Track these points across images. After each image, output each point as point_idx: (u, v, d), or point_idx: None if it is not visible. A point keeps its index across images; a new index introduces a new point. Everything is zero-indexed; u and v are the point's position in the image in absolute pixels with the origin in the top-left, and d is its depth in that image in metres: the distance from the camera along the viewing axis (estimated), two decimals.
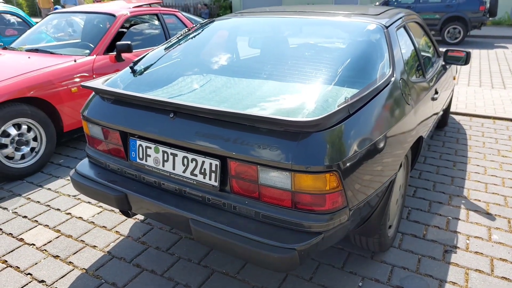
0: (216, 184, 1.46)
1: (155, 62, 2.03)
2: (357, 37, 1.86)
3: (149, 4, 4.42)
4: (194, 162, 1.51)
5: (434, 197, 2.66)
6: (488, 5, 10.05)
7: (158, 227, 2.33)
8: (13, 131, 2.93)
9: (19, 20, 5.78)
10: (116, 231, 2.30)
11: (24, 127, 3.01)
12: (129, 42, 3.53)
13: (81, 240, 2.22)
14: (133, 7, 4.10)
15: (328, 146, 1.28)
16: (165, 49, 2.12)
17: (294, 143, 1.28)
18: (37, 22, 6.37)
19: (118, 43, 3.53)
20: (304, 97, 1.50)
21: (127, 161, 1.76)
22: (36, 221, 2.43)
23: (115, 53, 3.66)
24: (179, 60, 2.01)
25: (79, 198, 2.70)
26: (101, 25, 3.83)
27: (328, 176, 1.27)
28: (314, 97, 1.49)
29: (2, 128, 2.84)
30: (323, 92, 1.52)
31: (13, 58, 3.44)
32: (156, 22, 4.32)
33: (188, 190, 1.55)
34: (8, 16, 5.86)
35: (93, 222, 2.40)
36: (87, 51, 3.61)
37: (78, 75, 3.30)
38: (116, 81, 1.90)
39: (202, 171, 1.49)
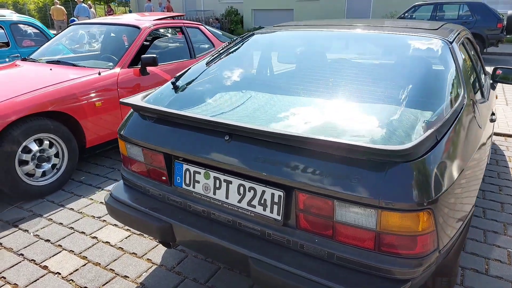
0: (279, 218, 1.28)
1: (198, 78, 1.88)
2: (423, 53, 1.70)
3: (172, 16, 4.32)
4: (252, 191, 1.33)
5: (487, 225, 2.45)
6: (505, 22, 9.93)
7: (192, 254, 2.15)
8: (34, 147, 2.78)
9: (36, 31, 5.72)
10: (148, 259, 2.12)
11: (46, 142, 2.87)
12: (154, 55, 3.40)
13: (111, 269, 2.04)
14: (156, 20, 3.99)
15: (420, 179, 1.10)
16: (207, 63, 1.98)
17: (381, 175, 1.10)
18: (53, 34, 6.32)
19: (143, 56, 3.41)
20: (378, 120, 1.33)
21: (170, 186, 1.59)
22: (60, 245, 2.26)
23: (139, 66, 3.53)
24: (224, 76, 1.85)
25: (104, 220, 2.53)
26: (127, 38, 3.72)
27: (421, 215, 1.09)
28: (390, 121, 1.31)
29: (24, 144, 2.69)
30: (398, 114, 1.35)
31: (34, 70, 3.32)
32: (180, 35, 4.20)
33: (244, 223, 1.37)
34: (25, 27, 5.80)
35: (122, 248, 2.22)
36: (111, 63, 3.49)
37: (102, 88, 3.17)
38: (157, 98, 1.75)
39: (262, 202, 1.31)
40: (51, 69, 3.33)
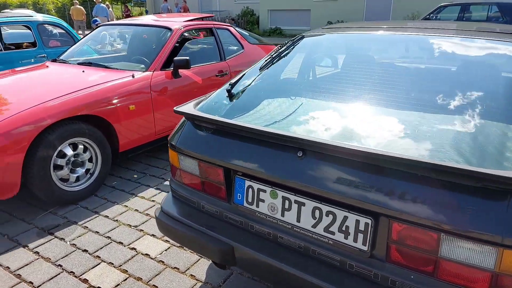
0: (365, 248, 1.15)
1: (253, 85, 1.76)
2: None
3: (202, 18, 4.22)
4: (331, 216, 1.21)
5: None
6: None
7: (237, 272, 2.03)
8: (69, 152, 2.71)
9: (62, 31, 5.70)
10: (191, 275, 2.01)
11: (81, 147, 2.79)
12: (187, 58, 3.31)
13: (154, 286, 1.94)
14: (186, 21, 3.90)
15: None
16: (261, 69, 1.85)
17: (502, 206, 0.96)
18: (78, 34, 6.26)
19: (176, 58, 3.32)
20: (484, 138, 1.17)
21: (229, 204, 1.48)
22: (98, 257, 2.17)
23: (171, 69, 3.44)
24: (282, 83, 1.73)
25: (141, 230, 2.44)
26: (157, 39, 3.64)
27: None
28: (500, 141, 1.15)
29: (59, 148, 2.62)
30: (506, 132, 1.19)
31: (67, 72, 3.26)
32: (210, 37, 4.10)
33: (319, 250, 1.24)
34: (50, 27, 5.79)
35: (163, 262, 2.12)
36: (142, 66, 3.41)
37: (135, 92, 3.08)
38: (212, 106, 1.64)
39: (344, 229, 1.18)
40: (83, 71, 3.26)
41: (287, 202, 1.29)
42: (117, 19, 21.02)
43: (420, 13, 14.78)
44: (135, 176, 3.24)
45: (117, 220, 2.56)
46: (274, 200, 1.33)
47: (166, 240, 2.32)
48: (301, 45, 2.04)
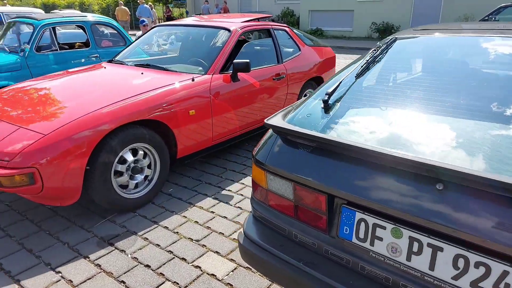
0: None
1: (352, 95, 1.53)
2: None
3: (257, 18, 4.04)
4: (482, 268, 0.96)
5: None
6: None
7: None
8: (129, 157, 2.60)
9: (113, 31, 5.73)
10: None
11: (141, 152, 2.68)
12: (247, 61, 3.13)
13: None
14: (243, 22, 3.73)
15: None
16: (357, 76, 1.62)
17: None
18: (129, 35, 6.28)
19: (236, 61, 3.15)
20: None
21: (331, 237, 1.26)
22: (162, 274, 2.03)
23: (230, 72, 3.28)
24: (391, 93, 1.49)
25: (203, 245, 2.28)
26: (215, 41, 3.49)
27: None
28: None
29: (120, 154, 2.52)
30: None
31: (125, 74, 3.17)
32: (267, 38, 3.91)
33: None
34: (102, 27, 5.84)
35: (231, 285, 1.94)
36: (200, 68, 3.27)
37: (196, 96, 2.94)
38: (306, 119, 1.43)
39: (502, 286, 0.94)
40: (142, 73, 3.17)
41: (416, 244, 1.06)
42: (159, 19, 21.45)
43: (474, 15, 13.92)
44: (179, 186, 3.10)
45: (177, 232, 2.42)
46: (397, 240, 1.10)
47: (232, 259, 2.14)
48: (399, 49, 1.79)
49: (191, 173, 3.30)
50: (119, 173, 2.57)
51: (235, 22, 3.64)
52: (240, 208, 2.72)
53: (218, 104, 3.11)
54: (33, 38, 4.69)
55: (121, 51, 4.00)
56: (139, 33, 7.50)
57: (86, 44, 5.83)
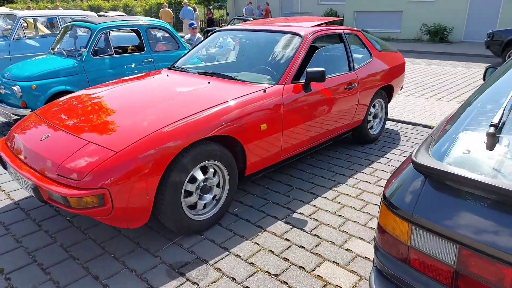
0: None
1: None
2: None
3: (326, 22, 3.72)
4: None
5: None
6: None
7: None
8: (200, 176, 2.38)
9: (168, 35, 5.61)
10: None
11: (211, 170, 2.46)
12: (323, 69, 2.83)
13: None
14: (313, 26, 3.42)
15: None
16: None
17: None
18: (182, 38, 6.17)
19: (310, 70, 2.85)
20: None
21: None
22: None
23: (302, 81, 2.99)
24: None
25: (284, 282, 2.00)
26: (284, 47, 3.22)
27: None
28: None
29: (191, 173, 2.30)
30: None
31: (192, 83, 2.97)
32: (338, 44, 3.59)
33: None
34: (154, 31, 5.74)
35: None
36: (268, 77, 3.00)
37: (268, 108, 2.68)
38: (466, 158, 1.10)
39: None
40: (209, 82, 2.95)
41: None
42: (201, 21, 21.60)
43: None
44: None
45: (252, 263, 2.16)
46: None
47: None
48: None
49: (255, 190, 3.05)
50: (187, 193, 2.36)
51: (305, 27, 3.35)
52: (318, 237, 2.42)
53: (289, 117, 2.84)
54: (90, 42, 4.65)
55: (181, 57, 3.82)
56: (187, 36, 7.38)
57: (139, 48, 5.77)
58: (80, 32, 5.27)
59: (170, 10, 16.14)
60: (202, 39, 7.87)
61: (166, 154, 2.14)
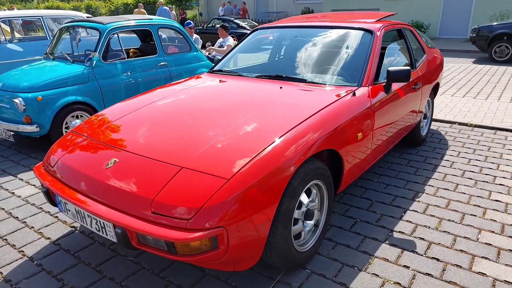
0: None
1: None
2: None
3: (385, 17, 3.41)
4: None
5: None
6: None
7: None
8: (305, 199, 2.00)
9: (179, 36, 5.11)
10: None
11: (314, 191, 2.08)
12: (408, 68, 2.53)
13: None
14: (376, 21, 3.11)
15: None
16: None
17: None
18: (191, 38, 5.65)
19: (393, 69, 2.55)
20: None
21: None
22: None
23: (383, 82, 2.68)
24: None
25: None
26: (351, 45, 2.88)
27: None
28: None
29: (300, 197, 1.92)
30: None
31: (261, 89, 2.57)
32: (400, 40, 3.31)
33: None
34: (165, 31, 5.22)
35: None
36: (341, 78, 2.66)
37: (361, 114, 2.33)
38: None
39: None
40: (281, 87, 2.56)
41: None
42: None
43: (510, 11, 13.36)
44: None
45: None
46: None
47: None
48: None
49: (334, 208, 2.69)
50: (295, 221, 1.97)
51: (369, 22, 3.03)
52: (437, 260, 2.11)
53: (376, 122, 2.51)
54: (100, 45, 4.08)
55: (220, 59, 3.38)
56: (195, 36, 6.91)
57: (144, 50, 5.23)
58: (85, 34, 4.66)
59: (144, 10, 15.39)
60: (200, 39, 7.43)
61: (282, 177, 1.74)
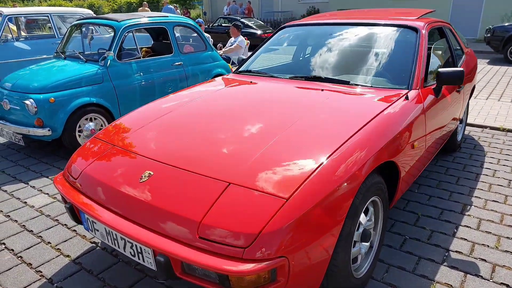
0: None
1: None
2: None
3: (422, 15, 3.17)
4: None
5: None
6: None
7: None
8: (363, 219, 1.76)
9: (194, 34, 4.88)
10: None
11: (371, 209, 1.85)
12: (462, 69, 2.30)
13: None
14: (418, 18, 2.87)
15: None
16: None
17: None
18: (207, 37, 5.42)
19: (444, 70, 2.32)
20: None
21: None
22: None
23: (433, 84, 2.45)
24: None
25: None
26: (392, 44, 2.65)
27: None
28: None
29: (360, 217, 1.69)
30: None
31: (301, 93, 2.34)
32: (441, 39, 3.08)
33: None
34: (180, 29, 4.99)
35: None
36: (384, 79, 2.43)
37: (415, 120, 2.10)
38: None
39: None
40: (322, 90, 2.33)
41: None
42: None
43: None
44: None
45: None
46: None
47: None
48: None
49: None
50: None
51: (411, 19, 2.79)
52: (507, 286, 1.88)
53: (427, 127, 2.28)
54: (115, 43, 3.85)
55: (246, 59, 3.15)
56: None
57: (170, 49, 4.99)
58: (97, 32, 4.43)
59: (148, 9, 15.17)
60: (210, 38, 7.19)
61: (345, 195, 1.51)
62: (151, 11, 18.81)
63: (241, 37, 6.68)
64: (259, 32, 12.94)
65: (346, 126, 1.81)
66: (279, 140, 1.73)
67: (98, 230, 1.67)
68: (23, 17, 6.41)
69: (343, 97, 2.20)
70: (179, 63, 4.44)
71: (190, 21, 4.77)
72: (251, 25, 13.10)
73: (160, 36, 5.34)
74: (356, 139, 1.70)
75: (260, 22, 14.92)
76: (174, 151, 1.77)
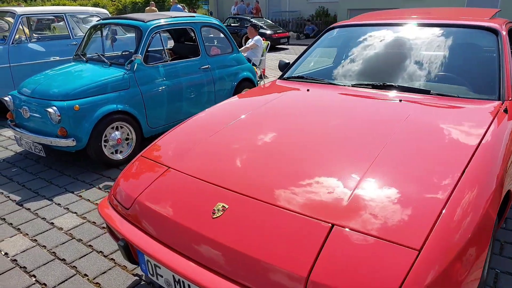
0: None
1: None
2: None
3: (493, 15, 2.87)
4: None
5: None
6: None
7: None
8: None
9: (221, 35, 4.59)
10: None
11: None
12: None
13: None
14: (490, 19, 2.57)
15: None
16: None
17: None
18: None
19: None
20: None
21: None
22: None
23: None
24: None
25: None
26: (464, 47, 2.35)
27: None
28: None
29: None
30: None
31: (378, 104, 2.04)
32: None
33: None
34: (207, 30, 4.68)
35: None
36: (463, 88, 2.13)
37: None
38: None
39: None
40: (400, 100, 2.03)
41: None
42: None
43: None
44: None
45: None
46: None
47: None
48: None
49: None
50: None
51: (485, 19, 2.49)
52: None
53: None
54: (141, 46, 3.55)
55: (292, 64, 2.85)
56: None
57: (196, 52, 4.70)
58: (119, 33, 4.14)
59: (156, 9, 14.89)
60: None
61: (482, 243, 1.21)
62: (158, 11, 18.53)
63: (257, 36, 6.47)
64: (269, 32, 12.65)
65: (456, 150, 1.51)
66: (375, 167, 1.43)
67: (162, 276, 1.38)
68: (35, 17, 6.11)
69: (430, 110, 1.89)
70: (207, 66, 4.14)
71: (218, 22, 4.47)
72: (261, 25, 12.81)
73: (182, 37, 5.05)
74: (476, 165, 1.40)
75: (270, 22, 14.63)
76: (248, 178, 1.48)
